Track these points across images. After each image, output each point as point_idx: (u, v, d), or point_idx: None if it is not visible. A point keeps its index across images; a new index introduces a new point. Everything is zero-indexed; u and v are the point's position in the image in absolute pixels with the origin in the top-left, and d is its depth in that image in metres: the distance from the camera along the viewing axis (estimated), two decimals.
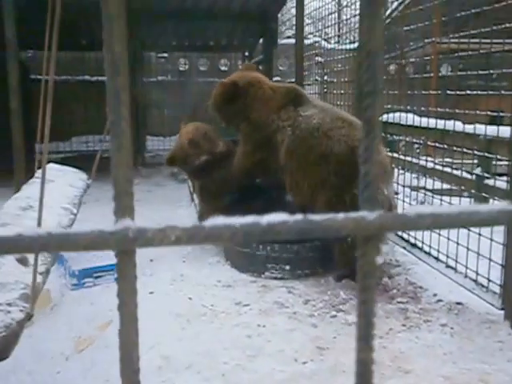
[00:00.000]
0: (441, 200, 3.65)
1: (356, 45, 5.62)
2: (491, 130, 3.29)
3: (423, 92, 3.79)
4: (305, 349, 2.41)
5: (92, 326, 2.61)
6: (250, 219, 0.37)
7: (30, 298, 2.07)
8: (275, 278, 3.24)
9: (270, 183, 3.74)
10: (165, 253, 3.72)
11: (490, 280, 2.80)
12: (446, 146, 3.44)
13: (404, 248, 3.71)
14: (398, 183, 4.07)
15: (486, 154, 3.17)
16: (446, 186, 4.10)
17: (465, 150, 3.41)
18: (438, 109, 3.50)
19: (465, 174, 3.94)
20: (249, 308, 2.83)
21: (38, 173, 2.81)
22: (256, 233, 0.37)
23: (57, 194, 2.78)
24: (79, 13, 6.67)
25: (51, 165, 3.15)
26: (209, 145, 3.81)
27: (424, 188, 3.96)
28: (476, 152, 3.24)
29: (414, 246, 3.62)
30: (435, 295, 2.97)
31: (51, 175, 2.88)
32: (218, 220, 0.37)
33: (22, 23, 5.19)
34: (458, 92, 3.24)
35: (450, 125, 3.43)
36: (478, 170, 3.99)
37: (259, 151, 3.49)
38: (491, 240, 2.79)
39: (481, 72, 3.03)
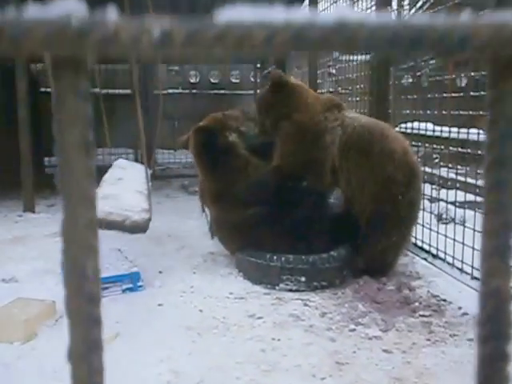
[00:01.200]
0: (464, 212, 3.49)
1: (368, 56, 5.52)
2: None
3: (444, 94, 3.66)
4: (323, 364, 2.26)
5: None
6: (299, 14, 0.23)
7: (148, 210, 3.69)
8: (290, 290, 3.09)
9: (313, 184, 3.45)
10: (174, 264, 3.60)
11: None
12: (469, 151, 3.29)
13: (425, 259, 3.55)
14: None
15: None
16: (470, 198, 3.93)
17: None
18: (461, 112, 3.37)
19: None
20: (262, 321, 2.69)
21: (115, 162, 4.14)
22: (311, 35, 0.23)
23: (133, 174, 4.05)
24: None
25: (122, 159, 4.39)
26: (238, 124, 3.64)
27: (445, 201, 3.80)
28: None
29: (435, 256, 3.45)
30: (460, 308, 2.81)
31: (123, 165, 4.18)
32: (241, 10, 0.24)
33: None
34: (481, 92, 3.11)
35: (472, 132, 3.29)
36: None
37: (304, 151, 3.35)
38: None
39: None
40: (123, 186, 3.90)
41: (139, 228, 3.69)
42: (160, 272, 3.42)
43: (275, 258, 3.15)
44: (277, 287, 3.12)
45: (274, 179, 3.44)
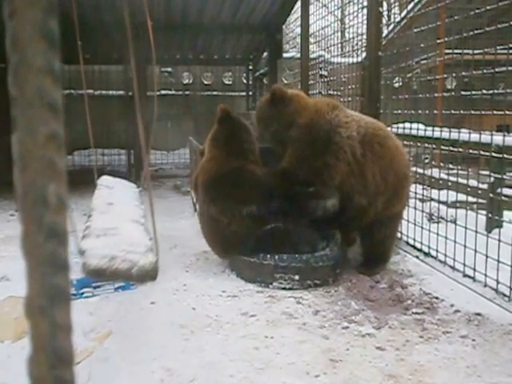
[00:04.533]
0: (456, 211, 3.51)
1: (360, 59, 5.55)
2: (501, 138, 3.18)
3: (435, 94, 3.68)
4: (317, 361, 2.25)
5: (90, 337, 2.46)
6: None
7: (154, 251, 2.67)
8: (284, 289, 3.08)
9: (321, 189, 3.32)
10: (168, 262, 3.58)
11: None
12: (460, 149, 3.31)
13: (417, 257, 3.56)
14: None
15: (504, 155, 3.04)
16: (460, 198, 3.95)
17: (475, 156, 3.29)
18: (453, 111, 3.38)
19: (480, 185, 3.81)
20: (256, 319, 2.68)
21: (99, 180, 3.73)
22: None
23: (123, 196, 3.68)
24: (82, 27, 6.63)
25: (106, 176, 3.96)
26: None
27: (437, 200, 3.82)
28: (493, 155, 3.11)
29: (427, 255, 3.47)
30: (452, 306, 2.82)
31: (110, 183, 3.77)
32: None
33: None
34: (473, 92, 3.13)
35: (464, 132, 3.31)
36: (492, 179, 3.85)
37: (316, 155, 3.26)
38: None
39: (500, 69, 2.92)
40: (117, 214, 3.34)
41: (148, 276, 2.93)
42: None
43: (269, 256, 3.15)
44: (270, 286, 3.11)
45: (282, 184, 3.33)
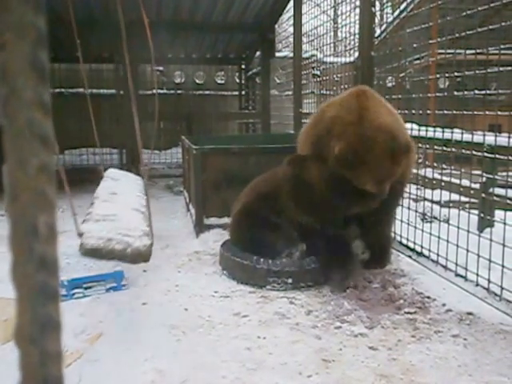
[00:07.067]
0: (448, 211, 3.52)
1: (352, 58, 5.55)
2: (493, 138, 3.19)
3: (428, 94, 3.69)
4: (309, 361, 2.25)
5: (81, 338, 2.44)
6: None
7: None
8: (277, 291, 3.07)
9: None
10: (159, 263, 3.56)
11: (503, 288, 2.66)
12: (453, 149, 3.31)
13: (409, 257, 3.56)
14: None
15: (496, 155, 3.05)
16: (453, 198, 3.95)
17: (468, 155, 3.29)
18: (445, 111, 3.39)
19: (473, 185, 3.81)
20: (248, 319, 2.67)
21: (106, 173, 4.02)
22: None
23: (127, 187, 3.94)
24: (73, 25, 6.59)
25: (113, 169, 4.21)
26: None
27: (430, 200, 3.82)
28: (485, 155, 3.12)
29: (420, 254, 3.47)
30: (444, 305, 2.82)
31: (116, 176, 4.04)
32: None
33: None
34: (465, 92, 3.14)
35: (457, 132, 3.31)
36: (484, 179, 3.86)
37: None
38: (504, 246, 2.65)
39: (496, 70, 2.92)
40: (119, 202, 3.57)
41: (141, 257, 3.30)
42: (144, 271, 3.38)
43: (262, 260, 3.14)
44: (263, 288, 3.09)
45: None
